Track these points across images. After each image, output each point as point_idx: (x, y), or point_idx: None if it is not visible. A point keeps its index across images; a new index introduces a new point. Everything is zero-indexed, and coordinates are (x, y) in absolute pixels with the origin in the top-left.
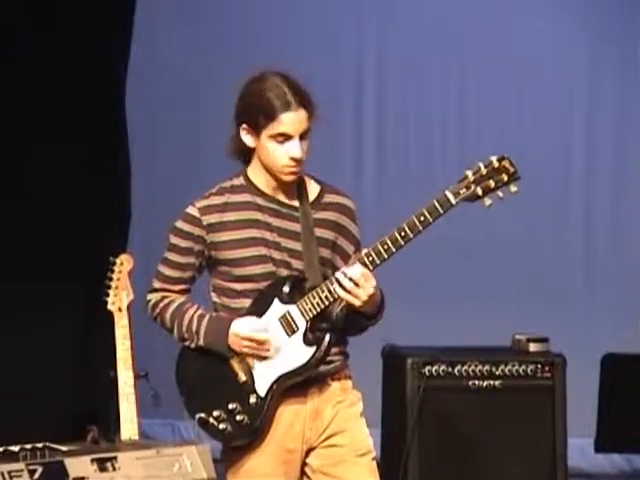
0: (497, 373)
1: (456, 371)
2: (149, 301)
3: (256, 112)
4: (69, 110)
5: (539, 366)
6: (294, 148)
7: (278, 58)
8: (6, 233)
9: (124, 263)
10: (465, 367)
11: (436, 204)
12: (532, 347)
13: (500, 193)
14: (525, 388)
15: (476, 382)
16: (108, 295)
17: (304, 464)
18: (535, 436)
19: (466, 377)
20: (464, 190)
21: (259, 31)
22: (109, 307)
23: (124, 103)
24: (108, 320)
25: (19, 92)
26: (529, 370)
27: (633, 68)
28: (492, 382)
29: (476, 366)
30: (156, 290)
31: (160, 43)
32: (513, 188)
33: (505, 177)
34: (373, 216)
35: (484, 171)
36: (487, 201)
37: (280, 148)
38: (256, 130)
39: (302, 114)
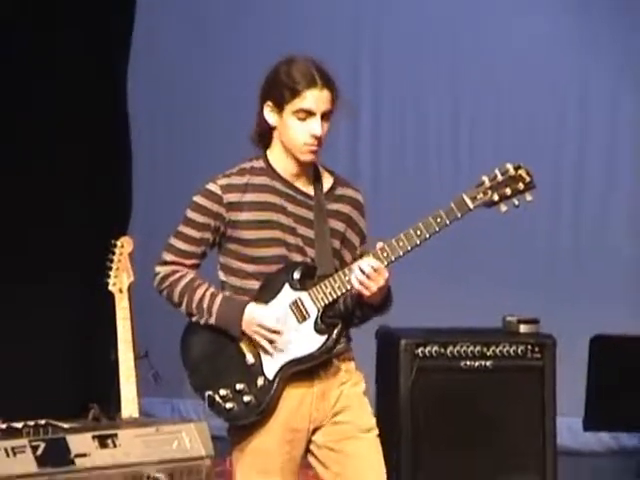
0: (488, 354)
1: (448, 352)
2: (158, 273)
3: (281, 88)
4: (69, 110)
5: (529, 347)
6: (315, 125)
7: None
8: (6, 233)
9: (124, 245)
10: (457, 348)
11: (453, 207)
12: (522, 328)
13: (516, 201)
14: (515, 368)
15: (468, 362)
16: (109, 277)
17: (309, 441)
18: (525, 415)
19: (458, 358)
20: (481, 195)
21: (257, 32)
22: (110, 288)
23: (125, 102)
24: (109, 302)
25: (19, 92)
26: (519, 351)
27: (631, 68)
28: (483, 362)
29: (468, 347)
30: (167, 263)
31: (160, 43)
32: (529, 197)
33: (521, 185)
34: (369, 215)
35: (500, 178)
36: (503, 207)
37: (302, 125)
38: (280, 106)
39: (326, 94)
